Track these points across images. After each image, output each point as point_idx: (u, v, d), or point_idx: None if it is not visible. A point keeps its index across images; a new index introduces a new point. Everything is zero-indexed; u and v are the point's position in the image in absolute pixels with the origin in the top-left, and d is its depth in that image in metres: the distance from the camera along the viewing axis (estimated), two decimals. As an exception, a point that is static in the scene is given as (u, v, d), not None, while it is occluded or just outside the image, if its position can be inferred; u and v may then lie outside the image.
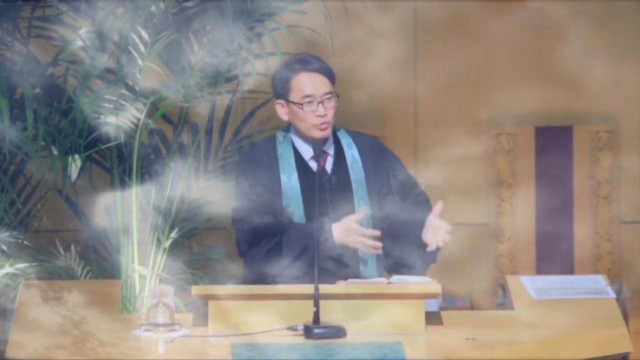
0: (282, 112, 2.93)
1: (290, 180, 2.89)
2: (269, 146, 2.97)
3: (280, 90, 2.91)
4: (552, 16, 4.74)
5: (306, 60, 2.91)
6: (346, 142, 2.98)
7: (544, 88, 4.80)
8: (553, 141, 4.91)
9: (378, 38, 4.61)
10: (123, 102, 3.88)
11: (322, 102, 2.85)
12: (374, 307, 2.59)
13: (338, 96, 2.91)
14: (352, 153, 2.96)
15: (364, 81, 4.51)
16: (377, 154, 3.01)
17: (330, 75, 2.91)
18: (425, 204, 2.98)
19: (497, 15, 4.77)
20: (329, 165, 2.94)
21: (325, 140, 2.92)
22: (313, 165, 2.91)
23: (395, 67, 4.71)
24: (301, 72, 2.87)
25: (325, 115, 2.85)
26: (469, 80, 4.81)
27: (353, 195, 2.91)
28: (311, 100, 2.85)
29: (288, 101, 2.89)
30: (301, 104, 2.86)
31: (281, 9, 3.99)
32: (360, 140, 3.02)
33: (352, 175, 2.93)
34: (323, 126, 2.86)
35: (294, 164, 2.91)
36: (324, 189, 2.85)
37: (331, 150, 2.95)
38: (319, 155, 2.90)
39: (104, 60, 3.88)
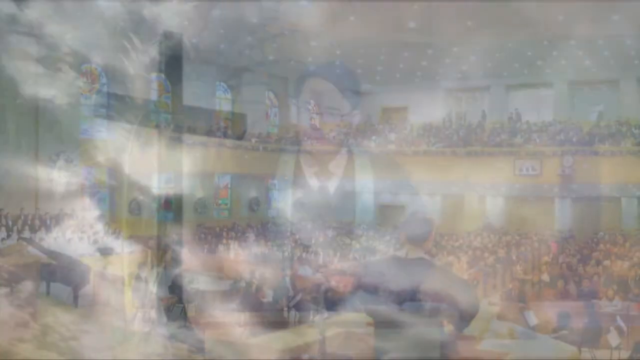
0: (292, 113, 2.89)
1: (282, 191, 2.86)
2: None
3: (296, 87, 2.90)
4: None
5: (331, 68, 2.87)
6: (360, 161, 2.91)
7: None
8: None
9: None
10: (112, 113, 3.89)
11: (322, 113, 2.80)
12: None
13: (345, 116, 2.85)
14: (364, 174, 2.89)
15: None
16: None
17: (346, 92, 2.84)
18: None
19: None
20: (332, 184, 2.89)
21: (332, 156, 2.88)
22: (314, 181, 2.87)
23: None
24: (316, 78, 2.83)
25: (319, 128, 2.80)
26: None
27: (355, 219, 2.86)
28: (312, 107, 2.80)
29: (297, 102, 2.86)
30: (299, 106, 2.83)
31: (286, 12, 4.00)
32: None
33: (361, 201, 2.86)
34: (315, 136, 2.81)
35: (293, 176, 2.87)
36: (322, 208, 2.75)
37: (339, 170, 2.90)
38: (321, 172, 2.86)
39: (91, 67, 3.91)
